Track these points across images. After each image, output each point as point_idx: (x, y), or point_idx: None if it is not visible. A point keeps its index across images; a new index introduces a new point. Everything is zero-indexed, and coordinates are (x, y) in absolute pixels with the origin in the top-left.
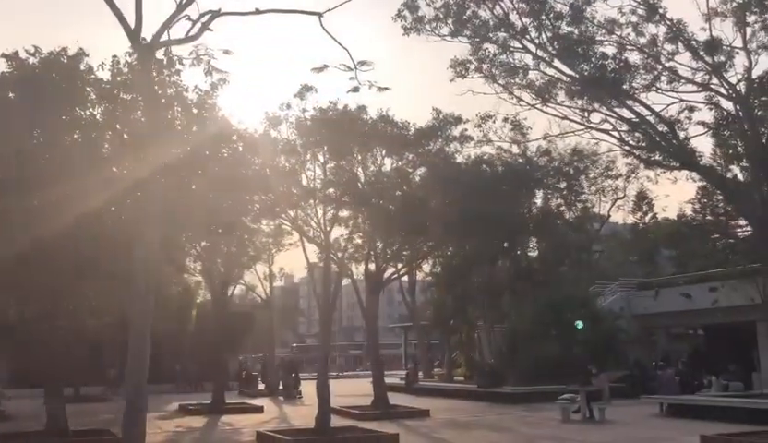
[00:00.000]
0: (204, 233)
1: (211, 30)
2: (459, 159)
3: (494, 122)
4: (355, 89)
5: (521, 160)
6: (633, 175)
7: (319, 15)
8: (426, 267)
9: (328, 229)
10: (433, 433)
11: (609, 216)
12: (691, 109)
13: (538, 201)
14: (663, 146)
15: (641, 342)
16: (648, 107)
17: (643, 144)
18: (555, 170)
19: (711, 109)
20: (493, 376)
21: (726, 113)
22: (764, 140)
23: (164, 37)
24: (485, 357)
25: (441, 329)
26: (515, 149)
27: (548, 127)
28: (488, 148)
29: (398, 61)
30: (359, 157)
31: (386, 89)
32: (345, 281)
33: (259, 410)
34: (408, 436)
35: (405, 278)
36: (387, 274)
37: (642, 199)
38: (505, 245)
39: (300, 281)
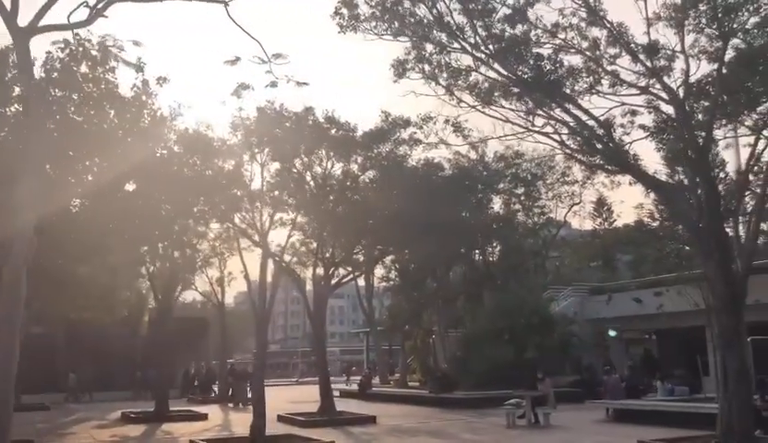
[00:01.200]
0: (141, 236)
1: (106, 17)
2: (411, 162)
3: (434, 123)
4: (273, 85)
5: (479, 166)
6: (589, 181)
7: (225, 3)
8: (382, 272)
9: (268, 230)
10: (373, 440)
11: (566, 222)
12: (634, 113)
13: (496, 206)
14: (600, 149)
15: (593, 347)
16: (584, 110)
17: (583, 147)
18: (512, 176)
19: (650, 113)
20: (445, 381)
21: (665, 117)
22: (701, 144)
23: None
24: (439, 362)
25: (397, 335)
26: (473, 155)
27: (493, 131)
28: (446, 152)
29: (353, 62)
30: (305, 159)
31: (304, 83)
32: (309, 286)
33: (204, 417)
34: (345, 441)
35: (362, 283)
36: (337, 279)
37: (602, 206)
38: (462, 250)
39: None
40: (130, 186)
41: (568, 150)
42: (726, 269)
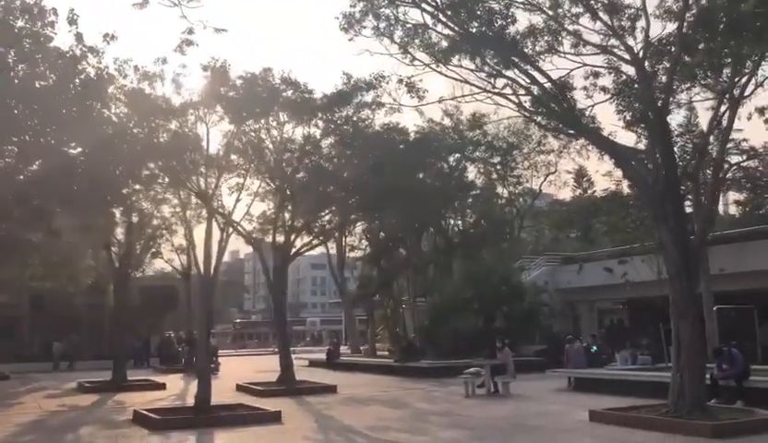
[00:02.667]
0: (90, 201)
1: None
2: (375, 127)
3: (387, 83)
4: (190, 32)
5: (453, 134)
6: (565, 151)
7: None
8: (353, 240)
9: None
10: (325, 409)
11: (541, 191)
12: (596, 75)
13: (471, 175)
14: (555, 110)
15: (563, 316)
16: (541, 70)
17: (540, 110)
18: (487, 144)
19: (611, 73)
20: (410, 350)
21: (626, 79)
22: (659, 105)
23: None
24: (408, 332)
25: (366, 304)
26: (447, 122)
27: (452, 92)
28: (419, 120)
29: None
30: (262, 122)
31: (222, 30)
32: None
33: (161, 387)
34: (296, 412)
35: (334, 251)
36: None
37: (581, 176)
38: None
39: (245, 256)
40: (74, 150)
41: (526, 113)
42: (680, 236)
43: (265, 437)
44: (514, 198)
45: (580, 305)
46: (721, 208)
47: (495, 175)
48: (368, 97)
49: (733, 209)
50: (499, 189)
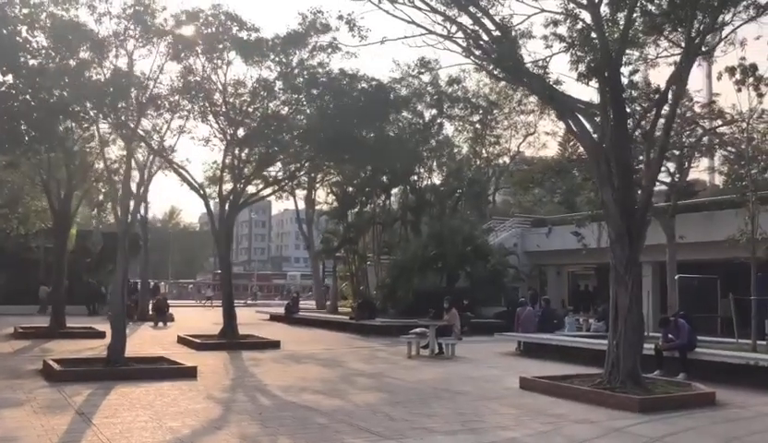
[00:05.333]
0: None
1: None
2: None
3: (325, 19)
4: None
5: (430, 88)
6: (547, 112)
7: None
8: (321, 194)
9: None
10: (252, 366)
11: (519, 151)
12: (556, 23)
13: (447, 132)
14: (495, 54)
15: (529, 279)
16: (486, 12)
17: (484, 54)
18: (464, 101)
19: (567, 20)
20: (366, 308)
21: (582, 26)
22: (613, 55)
23: None
24: (370, 289)
25: (330, 260)
26: (426, 78)
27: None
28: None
29: None
30: (203, 59)
31: None
32: (275, 211)
33: (101, 335)
34: (219, 368)
35: (302, 206)
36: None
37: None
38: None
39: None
40: None
41: (474, 58)
42: (625, 197)
43: (166, 394)
44: (492, 159)
45: (548, 268)
46: (707, 178)
47: (473, 134)
48: (325, 38)
49: (718, 180)
50: (478, 149)
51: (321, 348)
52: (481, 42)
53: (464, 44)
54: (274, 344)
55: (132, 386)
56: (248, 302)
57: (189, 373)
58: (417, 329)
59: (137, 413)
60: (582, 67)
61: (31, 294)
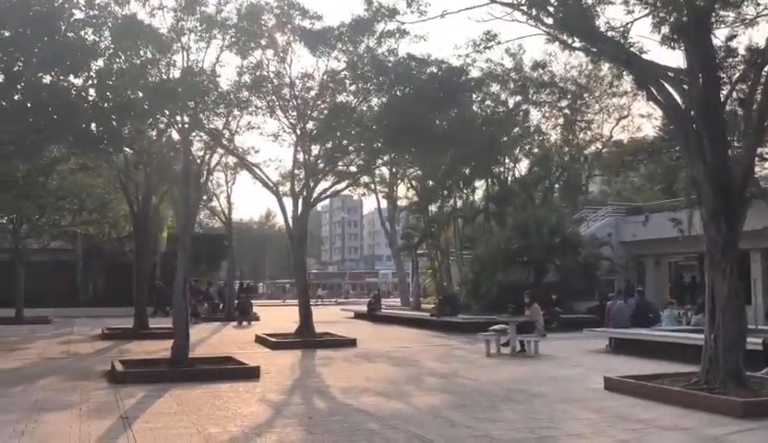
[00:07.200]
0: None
1: None
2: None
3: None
4: None
5: (514, 74)
6: (642, 93)
7: None
8: (402, 190)
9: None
10: (321, 365)
11: (612, 137)
12: None
13: (534, 119)
14: (561, 14)
15: (626, 271)
16: None
17: (555, 22)
18: (550, 85)
19: None
20: (447, 304)
21: None
22: (700, 10)
23: None
24: (453, 285)
25: (411, 256)
26: (508, 63)
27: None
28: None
29: None
30: (270, 53)
31: None
32: (366, 210)
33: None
34: (287, 368)
35: (385, 204)
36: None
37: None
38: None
39: (322, 208)
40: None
41: (543, 26)
42: (719, 172)
43: (221, 396)
44: (584, 145)
45: (646, 259)
46: None
47: (562, 120)
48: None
49: None
50: (569, 136)
51: (398, 346)
52: (549, 7)
53: (533, 12)
54: (351, 342)
55: (190, 388)
56: (338, 301)
57: (252, 374)
58: (497, 326)
59: (180, 418)
60: (665, 29)
61: (127, 296)
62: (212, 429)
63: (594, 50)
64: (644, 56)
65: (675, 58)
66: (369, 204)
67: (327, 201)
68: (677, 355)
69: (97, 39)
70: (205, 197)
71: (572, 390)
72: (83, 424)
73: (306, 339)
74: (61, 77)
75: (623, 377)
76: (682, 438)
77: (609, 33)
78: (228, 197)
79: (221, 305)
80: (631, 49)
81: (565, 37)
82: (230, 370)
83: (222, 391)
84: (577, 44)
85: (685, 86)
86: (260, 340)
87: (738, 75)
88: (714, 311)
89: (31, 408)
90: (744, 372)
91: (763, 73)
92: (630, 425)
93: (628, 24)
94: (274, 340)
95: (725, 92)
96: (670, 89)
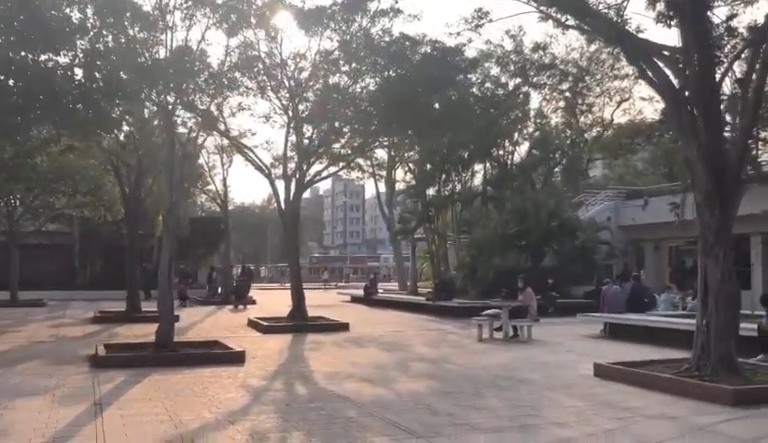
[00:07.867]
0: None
1: None
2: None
3: None
4: None
5: (513, 56)
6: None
7: None
8: (400, 174)
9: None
10: (309, 350)
11: (612, 120)
12: None
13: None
14: None
15: (625, 256)
16: None
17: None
18: (551, 67)
19: None
20: (442, 289)
21: None
22: None
23: None
24: (450, 269)
25: (409, 240)
26: (508, 45)
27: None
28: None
29: None
30: (258, 32)
31: None
32: (368, 194)
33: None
34: (274, 352)
35: (383, 189)
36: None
37: None
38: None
39: (324, 192)
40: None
41: (536, 2)
42: (713, 153)
43: (201, 381)
44: (585, 129)
45: (646, 244)
46: None
47: (563, 103)
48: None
49: None
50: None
51: (390, 330)
52: None
53: None
54: (343, 326)
55: (171, 372)
56: (338, 284)
57: (238, 358)
58: (489, 311)
59: (155, 404)
60: (660, 6)
61: (123, 280)
62: (185, 416)
63: (586, 28)
64: (640, 36)
65: (671, 38)
66: (371, 188)
67: (329, 185)
68: (671, 341)
69: (82, 16)
70: (200, 183)
71: (561, 377)
72: (53, 410)
73: (298, 323)
74: (44, 57)
75: (613, 364)
76: (669, 427)
77: (604, 11)
78: (224, 179)
79: (219, 289)
80: (626, 27)
81: (558, 15)
82: (215, 355)
83: (203, 377)
84: (570, 22)
85: (680, 65)
86: (252, 323)
87: (734, 53)
88: (706, 297)
89: (5, 393)
90: (736, 359)
91: (761, 51)
92: (617, 414)
93: (623, 1)
94: (266, 323)
95: (721, 71)
96: (664, 69)
